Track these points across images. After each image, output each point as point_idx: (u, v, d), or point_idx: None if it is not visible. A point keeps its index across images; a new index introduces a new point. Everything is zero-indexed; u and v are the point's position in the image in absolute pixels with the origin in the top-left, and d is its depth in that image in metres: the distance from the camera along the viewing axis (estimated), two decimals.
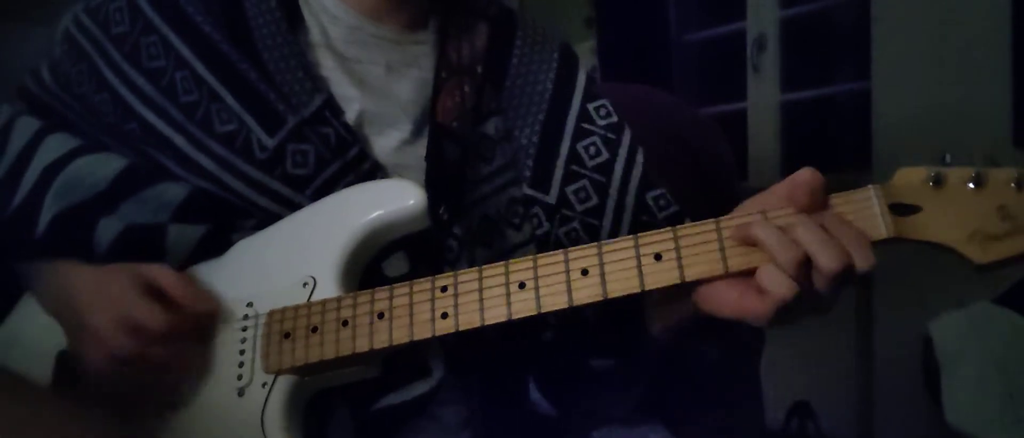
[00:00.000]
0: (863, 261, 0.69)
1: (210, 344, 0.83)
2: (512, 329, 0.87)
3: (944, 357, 1.88)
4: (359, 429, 0.83)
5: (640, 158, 0.98)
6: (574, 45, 1.06)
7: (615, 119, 0.99)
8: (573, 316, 0.91)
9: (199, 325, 0.83)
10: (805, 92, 2.74)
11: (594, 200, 0.95)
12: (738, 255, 0.72)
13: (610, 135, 0.98)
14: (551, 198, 0.94)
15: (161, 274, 0.81)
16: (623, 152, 0.98)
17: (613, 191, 0.96)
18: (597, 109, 0.99)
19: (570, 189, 0.95)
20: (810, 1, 2.68)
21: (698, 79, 3.01)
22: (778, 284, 0.70)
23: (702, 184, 1.45)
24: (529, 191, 0.94)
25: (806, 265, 0.70)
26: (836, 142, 2.68)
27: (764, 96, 2.77)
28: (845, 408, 2.43)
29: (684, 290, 0.76)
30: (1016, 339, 1.82)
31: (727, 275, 0.73)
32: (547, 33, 1.03)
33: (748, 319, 0.73)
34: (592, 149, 0.97)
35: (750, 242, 0.72)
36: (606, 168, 0.96)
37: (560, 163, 0.95)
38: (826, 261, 0.69)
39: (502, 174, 0.94)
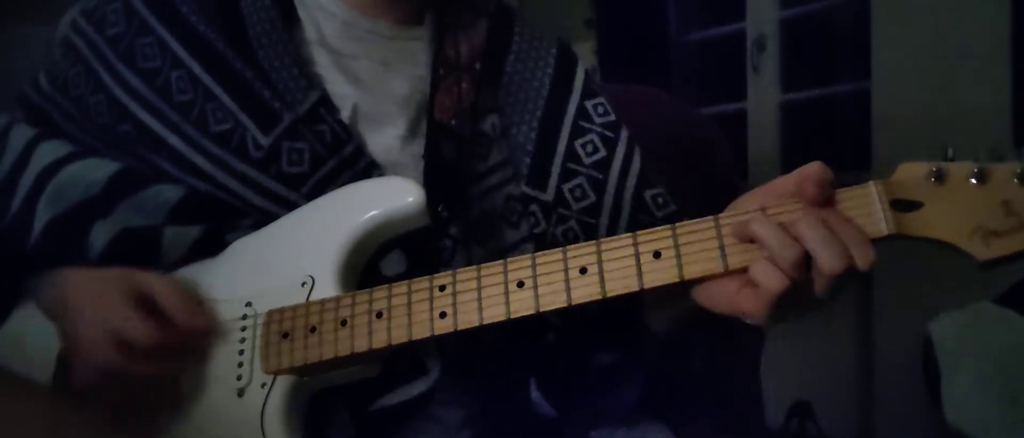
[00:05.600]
0: (863, 260, 0.68)
1: (206, 357, 0.82)
2: (514, 330, 0.87)
3: (944, 357, 1.88)
4: (358, 429, 0.83)
5: (637, 156, 0.98)
6: (574, 45, 1.06)
7: (612, 117, 0.99)
8: (577, 314, 0.91)
9: (193, 340, 0.81)
10: (805, 92, 2.73)
11: (591, 198, 0.95)
12: (738, 253, 0.72)
13: (607, 133, 0.98)
14: (548, 196, 0.94)
15: (158, 285, 0.80)
16: (621, 149, 0.97)
17: (610, 188, 0.96)
18: (595, 107, 0.99)
19: (567, 187, 0.94)
20: (810, 1, 2.68)
21: (698, 79, 3.00)
22: (770, 278, 0.69)
23: (702, 184, 1.45)
24: (526, 189, 0.94)
25: (804, 262, 0.69)
26: (836, 142, 2.68)
27: (764, 96, 2.76)
28: (845, 408, 2.42)
29: (682, 286, 0.75)
30: (1016, 339, 1.82)
31: (726, 273, 0.72)
32: (544, 31, 1.03)
33: (744, 316, 0.72)
34: (589, 147, 0.96)
35: (749, 239, 0.71)
36: (603, 165, 0.96)
37: (557, 161, 0.95)
38: (828, 260, 0.68)
39: (499, 172, 0.94)
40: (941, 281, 2.04)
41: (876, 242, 0.70)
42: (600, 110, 0.99)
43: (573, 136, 0.97)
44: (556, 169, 0.95)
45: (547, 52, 1.00)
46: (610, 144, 0.97)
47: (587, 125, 0.97)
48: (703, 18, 2.98)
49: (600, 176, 0.96)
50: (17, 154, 0.92)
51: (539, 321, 0.90)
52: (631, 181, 0.97)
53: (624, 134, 0.99)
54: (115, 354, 0.77)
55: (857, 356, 2.41)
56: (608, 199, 0.95)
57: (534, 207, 0.93)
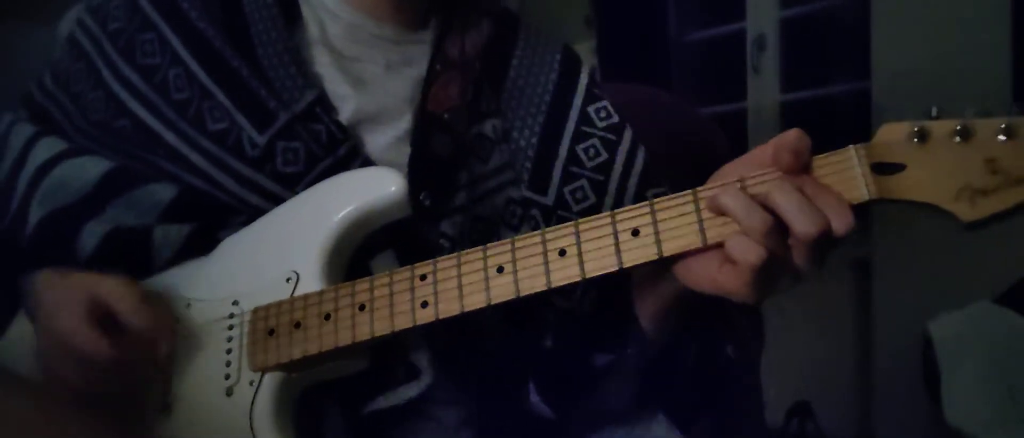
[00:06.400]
0: (841, 224, 0.67)
1: (172, 365, 0.82)
2: (512, 331, 0.87)
3: (944, 357, 1.87)
4: (352, 432, 0.83)
5: (641, 156, 0.98)
6: (574, 45, 1.06)
7: (615, 120, 0.98)
8: (574, 315, 0.90)
9: (153, 347, 0.81)
10: (805, 92, 2.73)
11: (591, 199, 0.94)
12: (716, 226, 0.70)
13: (610, 136, 0.97)
14: (548, 200, 0.94)
15: (116, 295, 0.79)
16: (623, 151, 0.97)
17: (611, 189, 0.95)
18: (597, 111, 0.98)
19: (568, 189, 0.94)
20: (810, 1, 2.67)
21: (698, 79, 3.00)
22: (745, 251, 0.67)
23: (702, 184, 1.44)
24: (527, 193, 0.93)
25: (776, 232, 0.67)
26: (836, 142, 2.67)
27: (764, 96, 2.76)
28: (845, 408, 2.42)
29: (667, 269, 0.74)
30: (1016, 339, 1.82)
31: (706, 248, 0.70)
32: (549, 36, 1.03)
33: (727, 293, 0.70)
34: (591, 151, 0.96)
35: (720, 211, 0.70)
36: (605, 167, 0.96)
37: (559, 165, 0.95)
38: (802, 226, 0.66)
39: (499, 175, 0.94)
40: (941, 281, 2.04)
41: (861, 207, 0.68)
42: (603, 114, 0.98)
43: (575, 141, 0.96)
44: (557, 173, 0.94)
45: (552, 57, 1.00)
46: (612, 147, 0.97)
47: (589, 129, 0.97)
48: (703, 18, 2.98)
49: (601, 177, 0.95)
50: (16, 153, 0.92)
51: (537, 323, 0.90)
52: (633, 180, 0.96)
53: (628, 134, 0.98)
54: (72, 372, 0.77)
55: (857, 356, 2.40)
56: (609, 200, 0.95)
57: (534, 211, 0.93)
